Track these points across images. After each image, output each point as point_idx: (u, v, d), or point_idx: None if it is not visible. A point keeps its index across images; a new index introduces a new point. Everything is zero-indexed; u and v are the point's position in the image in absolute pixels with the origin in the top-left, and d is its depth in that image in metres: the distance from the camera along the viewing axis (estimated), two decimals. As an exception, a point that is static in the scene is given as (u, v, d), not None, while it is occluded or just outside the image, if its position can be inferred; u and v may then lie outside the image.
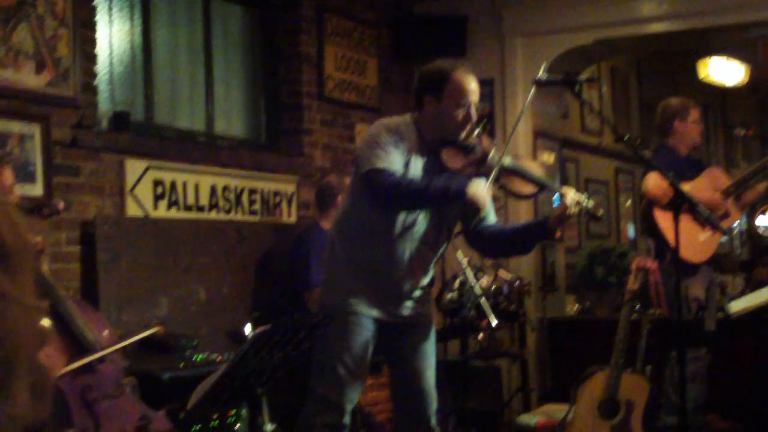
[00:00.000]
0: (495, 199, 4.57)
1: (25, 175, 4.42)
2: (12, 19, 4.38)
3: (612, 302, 6.81)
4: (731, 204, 5.45)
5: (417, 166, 3.70)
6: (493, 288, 5.16)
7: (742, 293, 6.15)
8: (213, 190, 5.41)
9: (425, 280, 3.85)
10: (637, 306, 4.60)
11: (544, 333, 6.80)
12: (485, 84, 6.75)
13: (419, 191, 3.55)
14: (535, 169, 3.85)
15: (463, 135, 3.70)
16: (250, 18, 6.16)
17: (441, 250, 3.90)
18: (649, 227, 5.47)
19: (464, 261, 4.82)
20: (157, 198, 5.09)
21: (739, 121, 12.54)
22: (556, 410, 5.00)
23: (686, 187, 5.16)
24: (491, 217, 3.92)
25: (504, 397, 6.30)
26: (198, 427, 3.95)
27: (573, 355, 6.29)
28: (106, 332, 3.60)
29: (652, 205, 5.34)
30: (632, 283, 4.61)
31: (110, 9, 5.13)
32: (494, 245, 3.96)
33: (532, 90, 3.96)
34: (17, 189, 4.35)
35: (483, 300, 4.71)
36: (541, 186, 3.82)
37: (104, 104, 5.02)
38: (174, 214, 5.16)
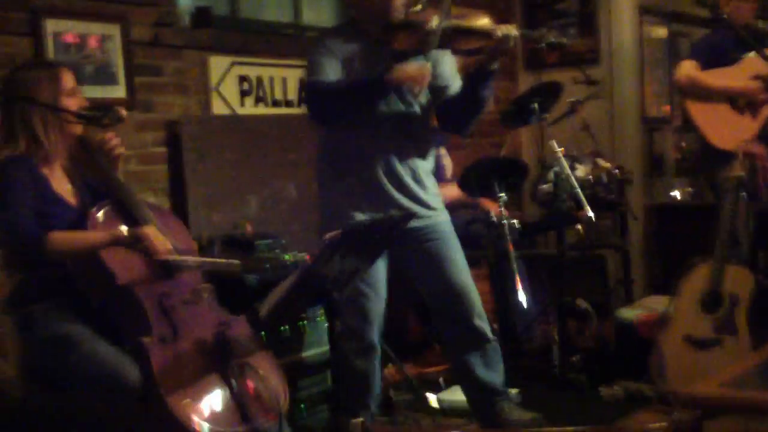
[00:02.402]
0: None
1: (106, 77, 4.39)
2: None
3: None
4: None
5: (370, 64, 3.56)
6: (591, 178, 4.95)
7: None
8: (301, 85, 5.29)
9: (421, 172, 3.73)
10: (743, 194, 4.34)
11: (652, 221, 6.56)
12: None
13: (348, 87, 3.48)
14: (482, 21, 3.53)
15: (400, 14, 3.54)
16: None
17: (426, 137, 3.77)
18: (686, 118, 5.20)
19: (559, 151, 4.63)
20: (243, 94, 5.01)
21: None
22: (659, 303, 4.81)
23: (719, 73, 4.94)
24: (456, 87, 3.74)
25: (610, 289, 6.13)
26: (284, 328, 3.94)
27: (683, 242, 6.03)
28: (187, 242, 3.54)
29: (684, 96, 5.07)
30: (737, 170, 4.33)
31: None
32: (453, 112, 3.74)
33: None
34: (99, 92, 4.35)
35: (578, 190, 4.52)
36: (487, 34, 3.48)
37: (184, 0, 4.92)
38: (261, 110, 5.08)
